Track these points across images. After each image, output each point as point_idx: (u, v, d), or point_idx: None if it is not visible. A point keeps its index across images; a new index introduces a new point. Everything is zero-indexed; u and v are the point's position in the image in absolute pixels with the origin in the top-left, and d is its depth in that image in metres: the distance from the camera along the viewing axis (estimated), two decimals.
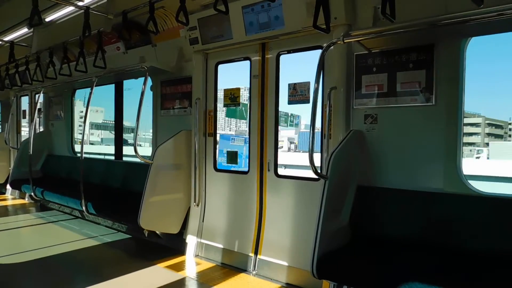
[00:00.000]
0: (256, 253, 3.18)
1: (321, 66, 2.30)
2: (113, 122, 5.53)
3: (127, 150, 5.33)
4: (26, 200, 6.24)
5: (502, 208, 2.12)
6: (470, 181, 2.33)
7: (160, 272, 3.16)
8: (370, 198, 2.52)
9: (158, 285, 2.88)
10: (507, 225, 2.05)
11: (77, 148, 5.87)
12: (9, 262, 3.36)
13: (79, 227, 4.61)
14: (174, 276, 3.07)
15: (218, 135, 3.65)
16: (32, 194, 5.09)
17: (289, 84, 3.07)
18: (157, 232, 3.67)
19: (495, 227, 2.09)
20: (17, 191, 6.28)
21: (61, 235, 4.29)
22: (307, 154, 2.22)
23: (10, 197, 6.59)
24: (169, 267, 3.28)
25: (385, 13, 2.24)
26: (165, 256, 3.49)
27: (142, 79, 3.57)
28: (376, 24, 2.50)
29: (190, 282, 3.02)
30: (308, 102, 2.92)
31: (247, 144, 3.30)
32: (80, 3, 4.32)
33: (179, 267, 3.29)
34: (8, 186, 6.27)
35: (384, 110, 2.57)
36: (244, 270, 3.19)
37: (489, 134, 53.96)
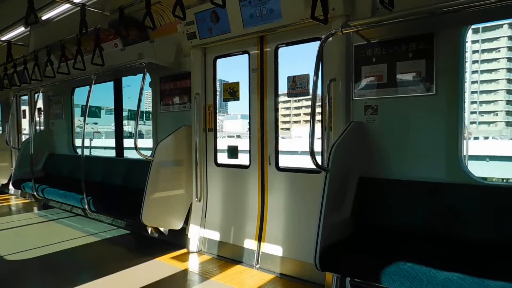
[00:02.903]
0: (258, 246, 3.19)
1: (320, 58, 2.28)
2: None
3: None
4: (28, 199, 6.28)
5: (504, 197, 2.11)
6: None
7: (161, 266, 3.18)
8: (372, 190, 2.52)
9: (159, 277, 2.91)
10: (510, 214, 2.04)
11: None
12: (14, 259, 3.41)
13: (81, 224, 4.65)
14: (175, 270, 3.10)
15: None
16: (34, 193, 5.12)
17: (288, 77, 3.06)
18: (161, 228, 3.69)
19: (497, 217, 2.08)
20: (19, 190, 6.31)
21: (63, 232, 4.32)
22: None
23: (13, 197, 6.63)
24: (170, 261, 3.31)
25: (383, 2, 2.22)
26: (167, 251, 3.52)
27: (140, 76, 3.55)
28: (375, 14, 2.47)
29: (191, 275, 3.04)
30: (308, 94, 2.91)
31: None
32: (76, 0, 4.28)
33: (180, 261, 3.32)
34: (10, 186, 6.30)
35: (384, 101, 2.55)
36: (247, 263, 3.21)
37: None
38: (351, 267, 2.10)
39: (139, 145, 3.34)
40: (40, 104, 6.13)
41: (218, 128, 3.68)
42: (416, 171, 2.43)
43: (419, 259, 1.90)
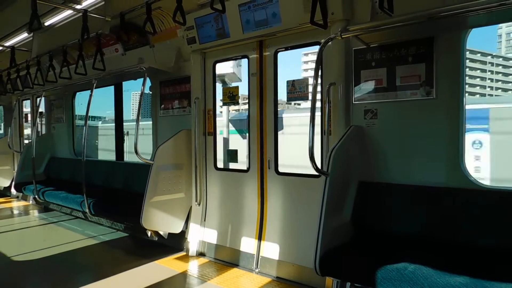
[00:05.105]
0: (258, 250, 3.17)
1: (319, 62, 2.29)
2: None
3: None
4: (30, 202, 6.30)
5: (505, 202, 2.09)
6: None
7: (160, 269, 3.18)
8: (372, 194, 2.50)
9: (158, 280, 2.92)
10: (511, 218, 2.02)
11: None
12: (16, 260, 3.43)
13: (81, 227, 4.66)
14: (174, 273, 3.10)
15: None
16: (36, 196, 5.14)
17: (287, 81, 3.06)
18: (160, 232, 3.69)
19: (499, 221, 2.06)
20: (21, 193, 6.34)
21: (64, 235, 4.34)
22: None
23: (15, 200, 6.66)
24: (170, 264, 3.31)
25: (382, 7, 2.21)
26: (167, 254, 3.52)
27: (141, 80, 3.57)
28: (374, 18, 2.48)
29: (190, 278, 3.04)
30: (307, 98, 2.91)
31: None
32: (78, 7, 4.33)
33: (180, 264, 3.32)
34: (12, 189, 6.33)
35: (384, 105, 2.54)
36: (246, 267, 3.19)
37: None
38: (352, 272, 2.08)
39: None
40: (42, 108, 6.18)
41: None
42: (416, 175, 2.41)
43: (420, 264, 1.88)
